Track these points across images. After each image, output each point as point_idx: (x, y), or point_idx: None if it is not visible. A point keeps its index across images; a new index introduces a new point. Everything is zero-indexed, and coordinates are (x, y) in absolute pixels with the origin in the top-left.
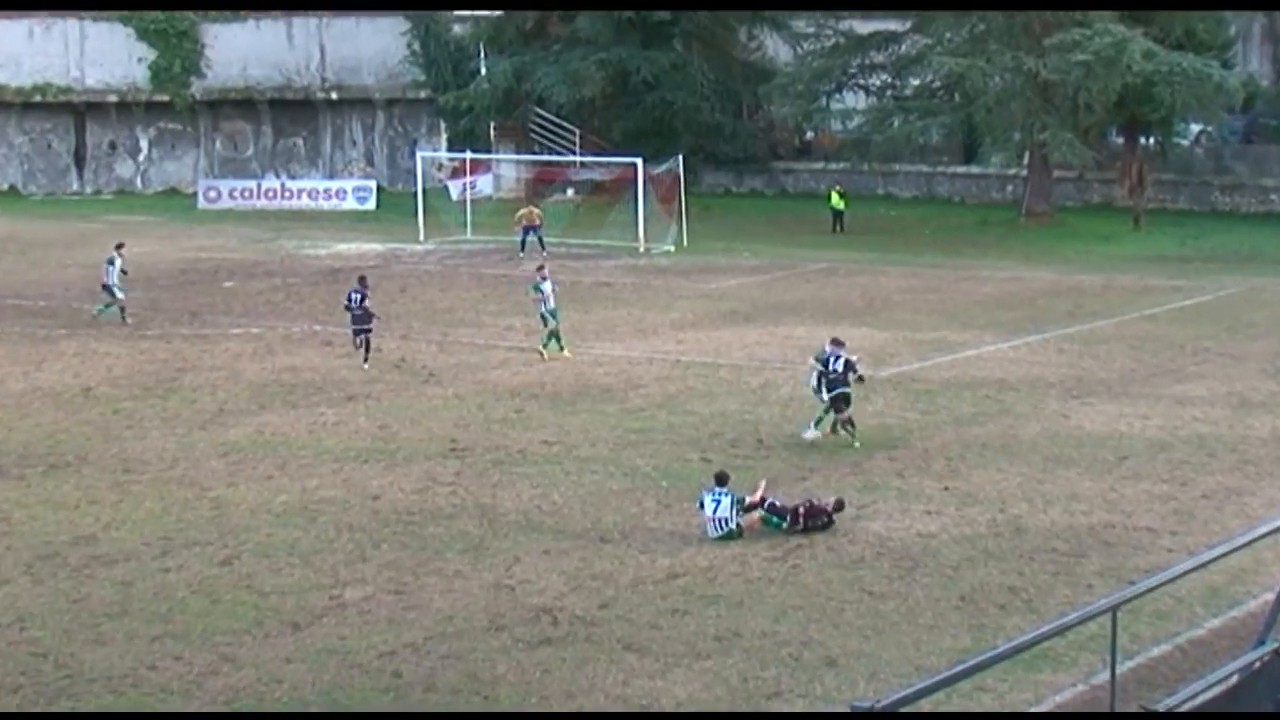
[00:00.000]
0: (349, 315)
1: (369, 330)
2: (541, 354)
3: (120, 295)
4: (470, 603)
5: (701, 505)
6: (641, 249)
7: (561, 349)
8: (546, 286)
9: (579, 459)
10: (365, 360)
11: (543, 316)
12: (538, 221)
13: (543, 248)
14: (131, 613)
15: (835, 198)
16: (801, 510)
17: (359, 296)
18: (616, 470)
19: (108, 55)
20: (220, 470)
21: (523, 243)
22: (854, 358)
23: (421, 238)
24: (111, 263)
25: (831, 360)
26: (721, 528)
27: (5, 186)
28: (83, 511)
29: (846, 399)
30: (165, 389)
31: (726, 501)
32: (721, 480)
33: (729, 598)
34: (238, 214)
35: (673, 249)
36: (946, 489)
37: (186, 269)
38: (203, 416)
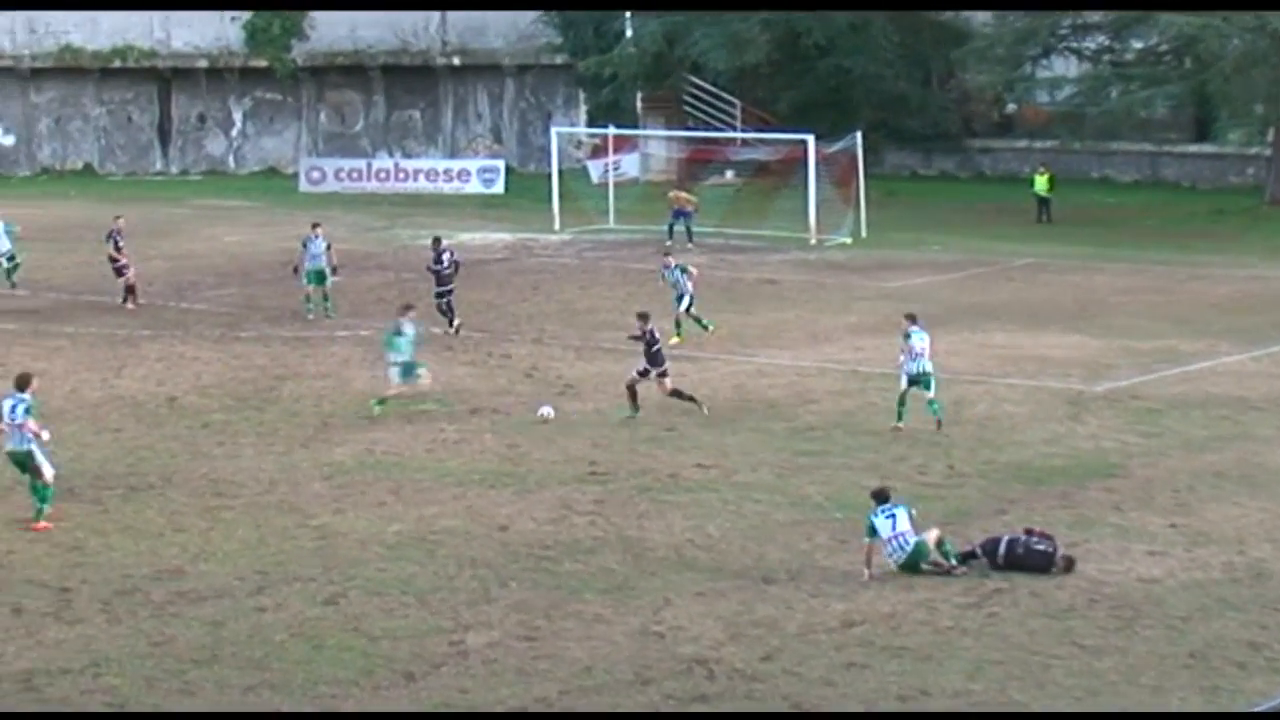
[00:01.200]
0: (434, 277)
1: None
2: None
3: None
4: (612, 652)
5: (873, 531)
6: (813, 241)
7: (678, 334)
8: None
9: (739, 485)
10: (454, 325)
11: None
12: (690, 207)
13: (690, 238)
14: (222, 658)
15: (1041, 181)
16: (1008, 546)
17: (448, 256)
18: (783, 499)
19: (197, 14)
20: (324, 495)
21: (670, 228)
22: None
23: (557, 226)
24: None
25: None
26: (904, 546)
27: (80, 165)
28: (167, 541)
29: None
30: (262, 400)
31: (902, 515)
32: (882, 498)
33: (915, 650)
34: (345, 198)
35: (849, 241)
36: (1173, 526)
37: (286, 261)
38: (305, 432)
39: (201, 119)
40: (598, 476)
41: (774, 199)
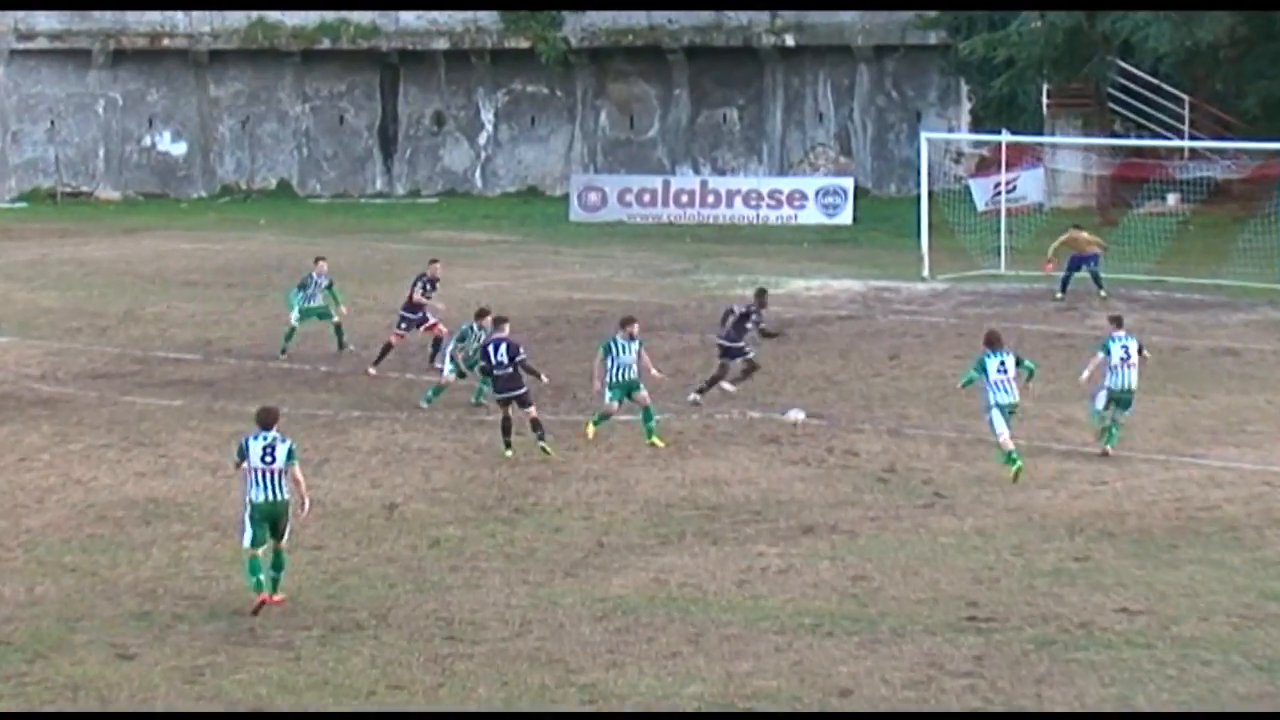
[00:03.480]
0: (488, 377)
1: (522, 395)
2: (1106, 450)
3: (449, 372)
4: None
5: None
6: None
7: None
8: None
9: (1181, 641)
10: (508, 444)
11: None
12: (1095, 250)
13: (1099, 286)
14: None
15: None
16: None
17: (504, 348)
18: (1244, 661)
19: None
20: (597, 642)
21: (1064, 282)
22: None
23: (926, 272)
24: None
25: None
26: None
27: (273, 183)
28: (379, 701)
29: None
30: (512, 509)
31: None
32: None
33: None
34: (632, 229)
35: None
36: None
37: (550, 317)
38: (570, 555)
39: (439, 120)
40: (978, 624)
41: (1236, 234)
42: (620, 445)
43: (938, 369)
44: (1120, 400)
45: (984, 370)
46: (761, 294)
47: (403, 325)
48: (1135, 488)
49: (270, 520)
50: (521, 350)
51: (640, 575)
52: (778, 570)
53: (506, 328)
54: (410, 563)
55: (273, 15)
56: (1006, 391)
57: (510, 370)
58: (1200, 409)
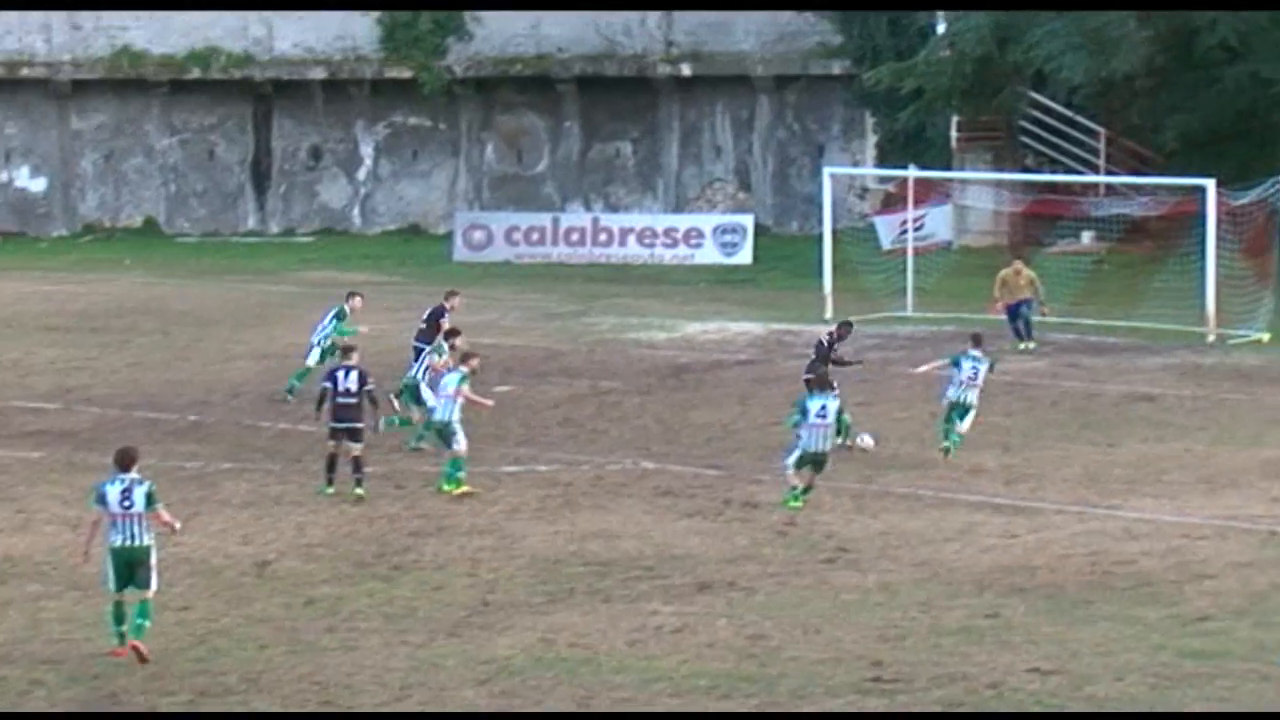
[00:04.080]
0: (329, 406)
1: (357, 430)
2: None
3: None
4: None
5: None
6: (1211, 337)
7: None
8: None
9: (1095, 702)
10: (330, 481)
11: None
12: (1028, 293)
13: (1026, 336)
14: None
15: None
16: None
17: (354, 375)
18: None
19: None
20: (481, 706)
21: (1016, 330)
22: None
23: (828, 314)
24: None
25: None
26: None
27: (139, 221)
28: None
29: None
30: (391, 566)
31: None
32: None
33: None
34: (519, 270)
35: (1267, 338)
36: None
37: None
38: (452, 614)
39: (315, 154)
40: (883, 685)
41: (1153, 274)
42: (506, 498)
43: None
44: (959, 411)
45: (805, 413)
46: (845, 325)
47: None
48: (1047, 540)
49: (130, 566)
50: (370, 380)
51: (527, 635)
52: (672, 629)
53: (355, 356)
54: (283, 623)
55: (139, 43)
56: (818, 439)
57: (355, 400)
58: (1115, 458)
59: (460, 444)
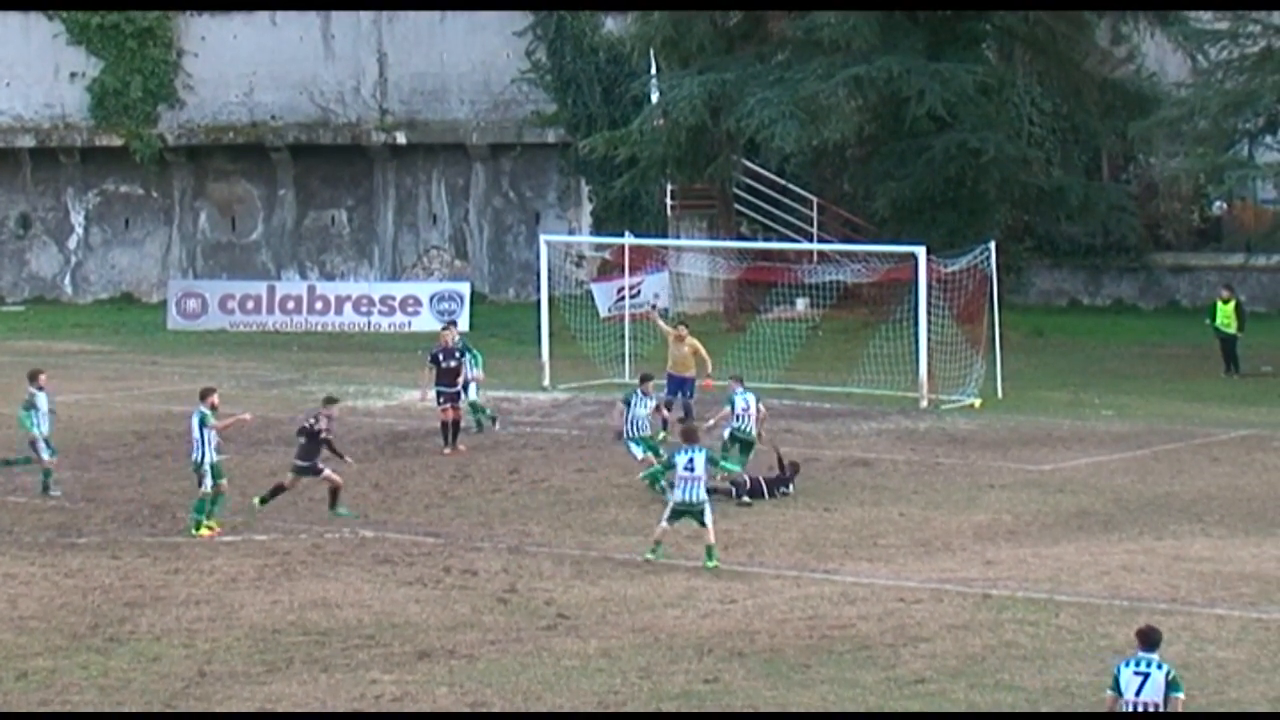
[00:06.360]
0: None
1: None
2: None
3: (47, 455)
4: None
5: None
6: (924, 402)
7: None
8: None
9: None
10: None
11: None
12: (688, 373)
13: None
14: None
15: (1224, 312)
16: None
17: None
18: None
19: (21, 67)
20: None
21: (670, 404)
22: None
23: (546, 381)
24: (31, 407)
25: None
26: None
27: None
28: None
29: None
30: (106, 638)
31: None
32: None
33: None
34: (235, 337)
35: (978, 403)
36: None
37: (146, 433)
38: (169, 686)
39: (24, 223)
40: None
41: (867, 340)
42: (223, 567)
43: (559, 483)
44: (743, 444)
45: (672, 467)
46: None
47: (442, 399)
48: (766, 605)
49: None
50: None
51: (245, 706)
52: (392, 698)
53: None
54: None
55: None
56: (689, 491)
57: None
58: (832, 522)
59: (207, 484)
